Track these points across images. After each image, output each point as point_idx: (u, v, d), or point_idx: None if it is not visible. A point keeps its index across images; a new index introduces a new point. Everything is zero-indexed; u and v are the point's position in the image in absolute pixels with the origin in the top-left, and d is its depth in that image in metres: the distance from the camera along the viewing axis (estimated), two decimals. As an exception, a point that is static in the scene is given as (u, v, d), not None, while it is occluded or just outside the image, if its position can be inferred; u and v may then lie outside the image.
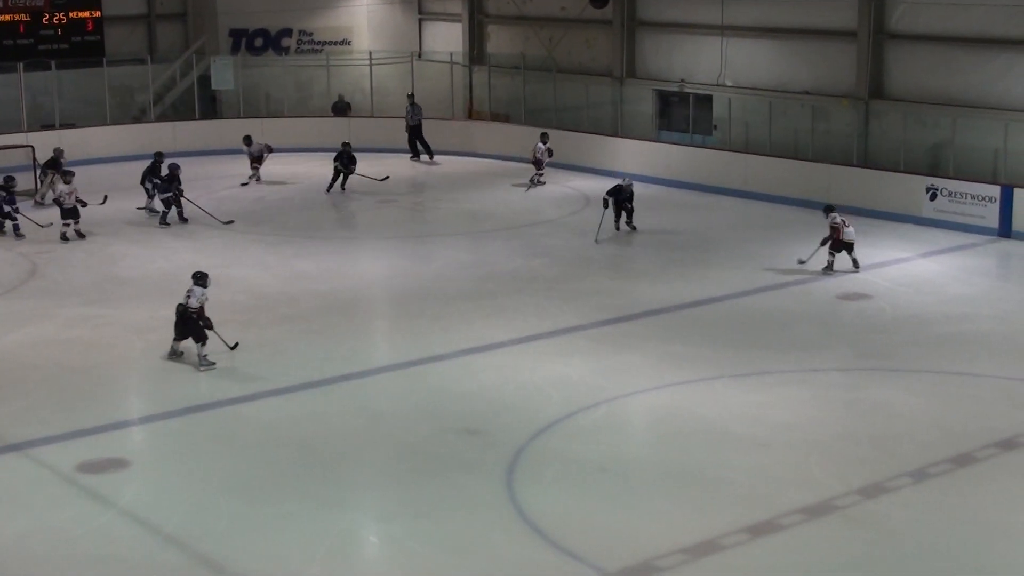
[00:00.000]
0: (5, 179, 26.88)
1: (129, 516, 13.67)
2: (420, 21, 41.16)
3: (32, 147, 31.25)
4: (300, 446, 15.53)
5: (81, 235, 26.37)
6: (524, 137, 34.83)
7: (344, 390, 17.56)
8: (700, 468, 14.73)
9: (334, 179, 30.97)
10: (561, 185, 30.63)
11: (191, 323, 18.23)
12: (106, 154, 34.36)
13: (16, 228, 26.44)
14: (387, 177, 30.25)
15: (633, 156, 32.57)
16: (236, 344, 18.88)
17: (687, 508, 13.72)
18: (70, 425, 16.15)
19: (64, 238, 26.24)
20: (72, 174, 27.11)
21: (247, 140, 32.61)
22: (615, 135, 34.03)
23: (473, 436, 15.74)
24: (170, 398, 17.10)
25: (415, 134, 35.57)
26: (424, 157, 35.37)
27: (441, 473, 14.66)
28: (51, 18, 38.33)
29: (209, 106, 38.81)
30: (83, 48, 38.60)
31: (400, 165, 34.02)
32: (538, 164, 31.42)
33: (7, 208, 26.54)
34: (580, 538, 12.98)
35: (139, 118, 38.18)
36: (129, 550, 12.89)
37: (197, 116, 37.82)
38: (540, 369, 18.13)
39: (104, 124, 36.27)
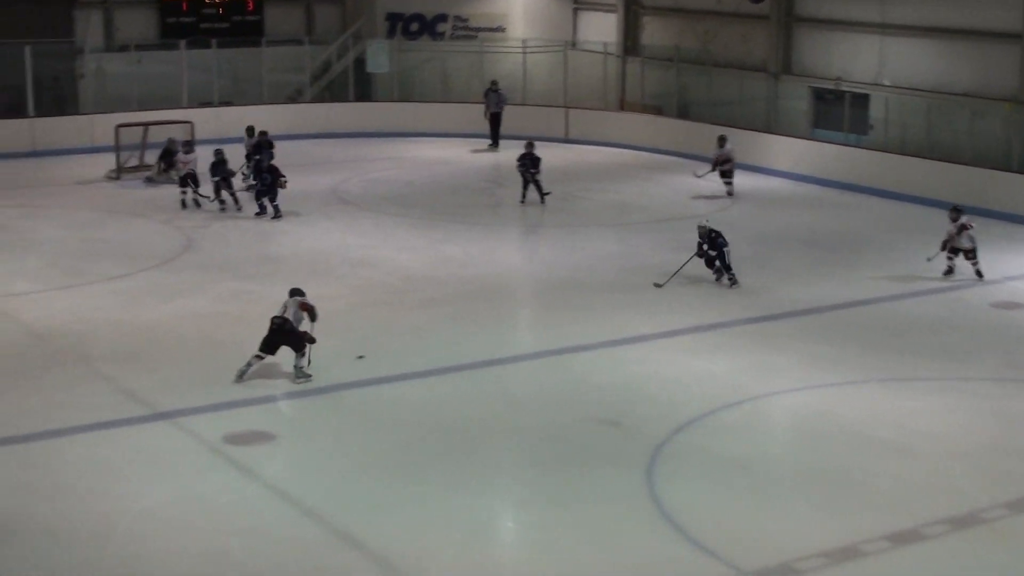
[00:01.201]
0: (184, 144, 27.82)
1: (272, 489, 13.89)
2: (575, 10, 41.12)
3: (191, 123, 31.85)
4: (441, 429, 15.64)
5: (197, 204, 27.09)
6: (675, 130, 34.71)
7: (486, 375, 17.64)
8: (843, 472, 14.51)
9: (525, 186, 28.37)
10: (710, 181, 30.38)
11: (291, 335, 17.14)
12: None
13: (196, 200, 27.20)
14: (549, 193, 28.34)
15: (786, 153, 32.21)
16: (362, 356, 18.09)
17: (828, 511, 13.53)
18: (218, 397, 16.46)
19: (183, 205, 27.06)
20: (192, 145, 28.17)
21: (249, 131, 30.41)
22: (768, 131, 33.66)
23: (614, 428, 15.71)
24: (317, 375, 17.30)
25: (496, 121, 35.48)
26: (493, 146, 35.27)
27: (580, 463, 14.65)
28: (214, -2, 39.22)
29: (364, 89, 39.20)
30: (243, 28, 39.38)
31: (549, 155, 34.02)
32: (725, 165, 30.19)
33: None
34: (718, 535, 12.87)
35: (294, 98, 38.78)
36: (271, 522, 13.09)
37: (351, 98, 38.27)
38: (683, 364, 18.03)
39: (261, 103, 36.87)
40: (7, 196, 28.44)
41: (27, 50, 33.40)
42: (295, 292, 17.56)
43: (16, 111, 33.95)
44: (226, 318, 19.79)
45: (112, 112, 33.70)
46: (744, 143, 32.81)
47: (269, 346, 17.11)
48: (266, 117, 33.25)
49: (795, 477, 14.53)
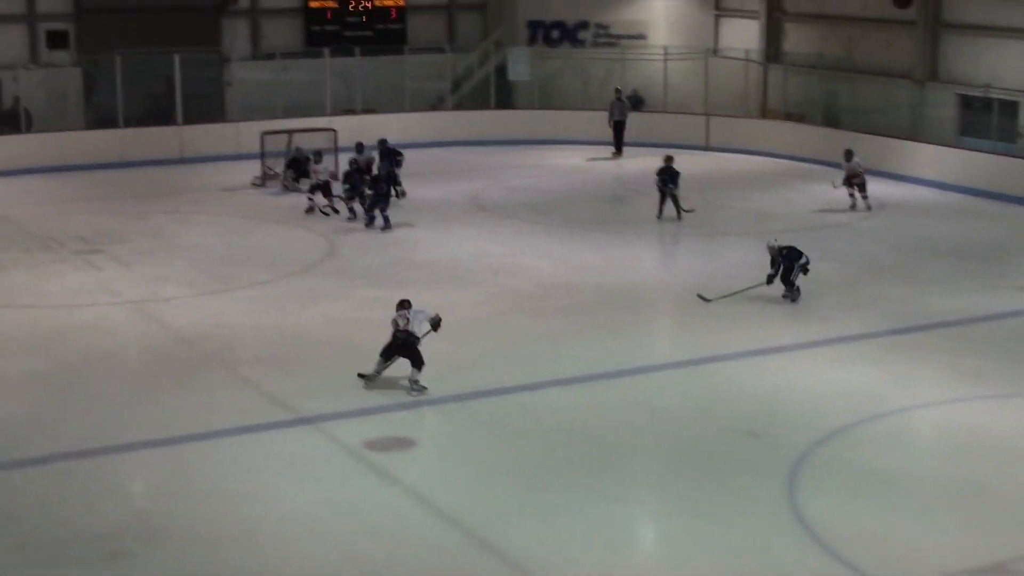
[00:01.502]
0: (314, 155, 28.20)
1: (412, 494, 14.00)
2: (716, 17, 40.83)
3: (335, 131, 32.26)
4: (580, 437, 15.62)
5: (326, 214, 27.43)
6: (818, 138, 34.28)
7: (625, 384, 17.58)
8: (992, 488, 14.19)
9: (662, 201, 27.47)
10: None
11: (412, 349, 17.05)
12: (402, 140, 35.20)
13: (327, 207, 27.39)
14: (691, 211, 27.54)
15: (931, 162, 31.62)
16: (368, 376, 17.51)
17: (976, 528, 13.23)
18: (359, 402, 16.64)
19: (309, 211, 27.48)
20: (322, 155, 28.91)
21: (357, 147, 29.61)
22: (913, 139, 33.08)
23: (754, 439, 15.55)
24: (455, 382, 17.40)
25: (619, 129, 35.46)
26: (617, 153, 35.20)
27: (720, 474, 14.53)
28: (357, 6, 39.67)
29: (504, 96, 39.38)
30: (386, 36, 39.81)
31: (690, 163, 33.85)
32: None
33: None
34: (862, 551, 12.66)
35: (436, 106, 39.07)
36: (411, 528, 13.19)
37: (492, 106, 38.45)
38: (824, 375, 17.79)
39: (402, 111, 37.22)
40: (157, 202, 29.10)
41: (176, 59, 34.14)
42: (404, 304, 17.28)
43: (165, 119, 34.70)
44: (366, 324, 19.95)
45: (257, 120, 34.30)
46: (888, 151, 32.33)
47: (389, 355, 17.13)
48: (408, 124, 33.69)
49: (941, 492, 14.25)
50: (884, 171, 31.71)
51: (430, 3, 41.12)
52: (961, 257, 24.69)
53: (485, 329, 19.74)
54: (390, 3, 40.29)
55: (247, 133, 33.32)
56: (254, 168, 31.17)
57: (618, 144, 35.46)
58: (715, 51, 39.57)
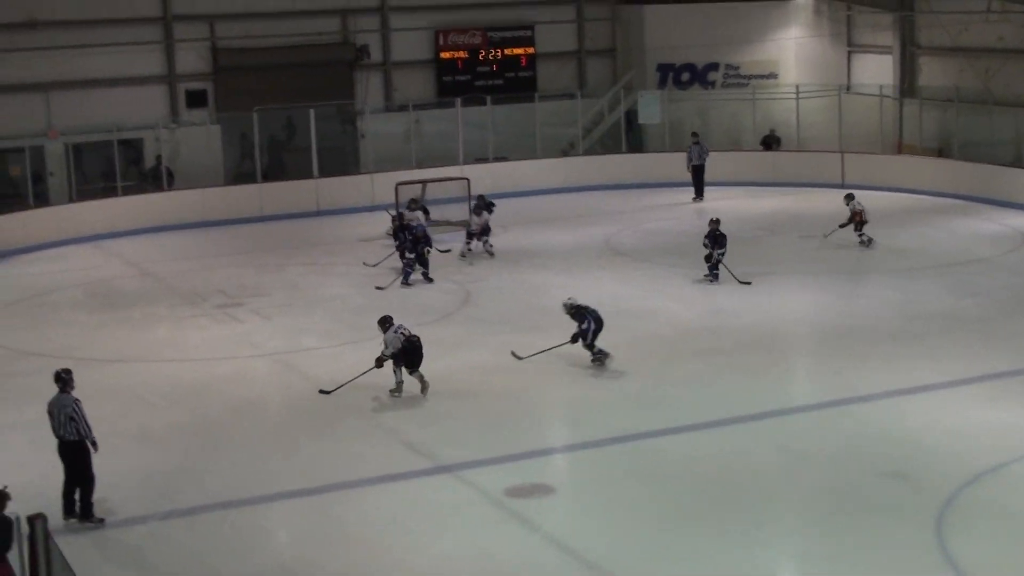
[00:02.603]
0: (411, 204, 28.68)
1: (553, 541, 13.99)
2: (849, 54, 40.49)
3: (467, 179, 32.52)
4: (720, 482, 15.49)
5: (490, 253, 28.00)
6: (957, 172, 33.77)
7: (765, 427, 17.41)
8: None
9: (712, 267, 25.57)
10: (996, 223, 29.44)
11: (420, 351, 18.85)
12: (535, 186, 35.55)
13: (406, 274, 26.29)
14: (749, 283, 25.25)
15: (1076, 193, 30.99)
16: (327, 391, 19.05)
17: None
18: (499, 450, 16.69)
19: (462, 255, 28.07)
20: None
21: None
22: (1055, 171, 32.44)
23: (899, 480, 15.28)
24: (592, 428, 17.40)
25: (698, 173, 34.83)
26: (698, 198, 34.60)
27: (865, 516, 14.29)
28: (487, 55, 40.04)
29: (635, 140, 39.43)
30: (517, 84, 40.09)
31: (824, 201, 33.53)
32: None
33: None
34: (1013, 594, 12.40)
35: (567, 152, 39.22)
36: (555, 575, 13.17)
37: (624, 149, 38.50)
38: (972, 414, 17.43)
39: (534, 157, 37.43)
40: (296, 255, 29.57)
41: (311, 113, 34.74)
42: (389, 320, 19.09)
43: (303, 172, 35.29)
44: (504, 370, 20.05)
45: (391, 171, 34.75)
46: (1029, 183, 31.74)
47: (408, 364, 18.72)
48: (540, 170, 33.80)
49: (1096, 533, 13.88)
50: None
51: (559, 50, 41.36)
52: (1110, 290, 24.11)
53: (621, 374, 19.70)
54: (520, 51, 40.64)
55: (381, 184, 33.76)
56: (388, 219, 31.47)
57: (698, 188, 34.90)
58: (848, 87, 39.22)
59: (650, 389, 19.00)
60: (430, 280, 26.18)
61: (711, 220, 25.86)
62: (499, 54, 40.34)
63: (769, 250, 29.24)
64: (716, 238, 25.52)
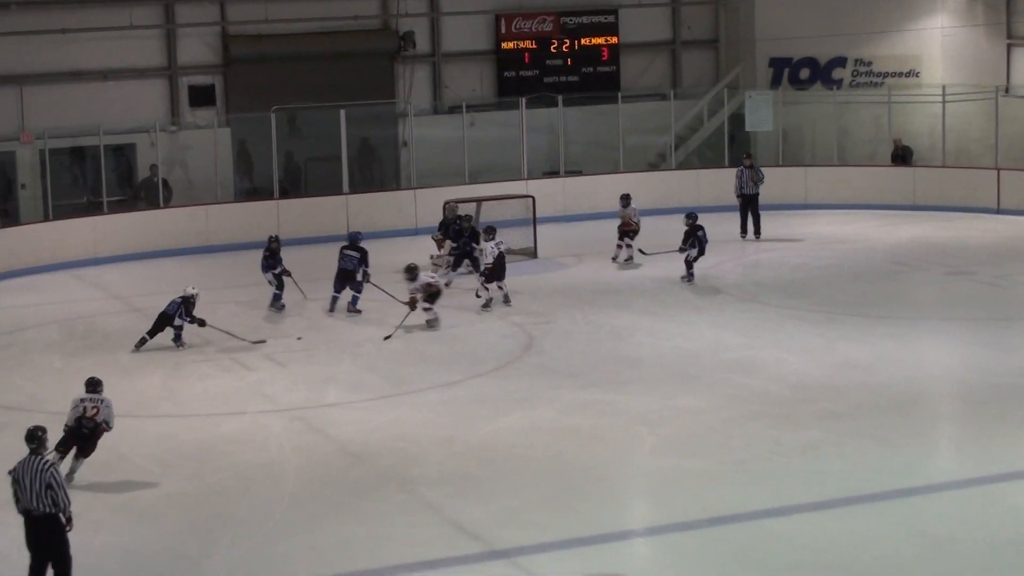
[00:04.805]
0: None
1: (632, 647, 13.94)
2: (1008, 47, 40.29)
3: (532, 197, 32.54)
4: (843, 573, 15.38)
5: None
6: None
7: (899, 509, 17.26)
8: None
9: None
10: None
11: (93, 441, 18.47)
12: (615, 207, 35.45)
13: None
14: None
15: None
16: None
17: None
18: (566, 532, 16.61)
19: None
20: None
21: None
22: None
23: (1066, 579, 15.16)
24: (684, 506, 17.32)
25: (749, 205, 33.85)
26: (750, 235, 33.74)
27: (1024, 623, 14.19)
28: (560, 46, 40.07)
29: (742, 151, 39.37)
30: (595, 81, 40.17)
31: (976, 229, 33.31)
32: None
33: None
34: None
35: (657, 165, 39.29)
36: None
37: (726, 163, 38.44)
38: None
39: (616, 172, 37.45)
40: (319, 288, 29.51)
41: (342, 114, 34.88)
42: (96, 385, 18.60)
43: (331, 187, 35.44)
44: (575, 434, 20.01)
45: (438, 186, 34.87)
46: None
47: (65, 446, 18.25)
48: (622, 187, 33.76)
49: None
50: None
51: (649, 40, 41.49)
52: None
53: (721, 440, 19.61)
54: (600, 41, 40.67)
55: (426, 202, 33.88)
56: (434, 245, 31.60)
57: (744, 224, 33.89)
58: (1007, 89, 39.00)
59: (757, 460, 18.88)
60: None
61: (687, 215, 29.56)
62: (574, 45, 40.48)
63: (908, 289, 29.11)
64: (690, 236, 29.07)
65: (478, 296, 27.63)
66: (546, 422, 20.72)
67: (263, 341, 25.40)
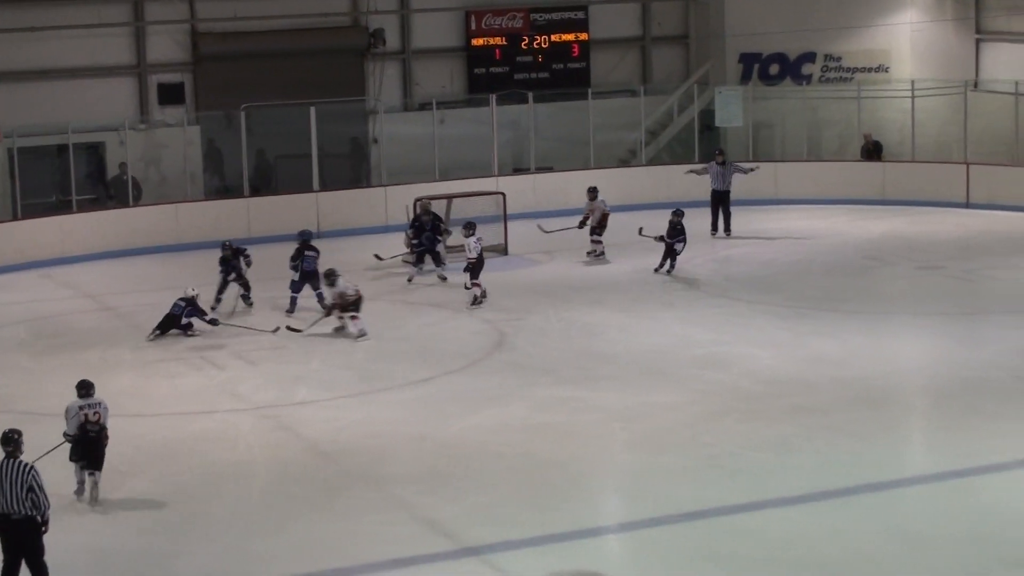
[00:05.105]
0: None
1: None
2: (977, 42, 40.35)
3: (503, 194, 32.53)
4: (816, 568, 15.39)
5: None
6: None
7: (871, 504, 17.29)
8: None
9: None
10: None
11: (101, 449, 18.00)
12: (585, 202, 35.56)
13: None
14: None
15: None
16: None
17: None
18: (538, 529, 16.62)
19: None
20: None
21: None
22: None
23: (1035, 571, 15.21)
24: (656, 502, 17.33)
25: (720, 201, 33.64)
26: (720, 232, 33.54)
27: (995, 617, 14.23)
28: (531, 42, 40.07)
29: (711, 146, 39.40)
30: (565, 77, 40.13)
31: (945, 223, 33.41)
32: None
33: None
34: None
35: (627, 161, 39.27)
36: None
37: (697, 158, 38.41)
38: None
39: (586, 168, 37.44)
40: (288, 286, 29.52)
41: (312, 112, 34.83)
42: (88, 388, 18.01)
43: (300, 185, 35.38)
44: (548, 431, 20.01)
45: (409, 183, 34.82)
46: None
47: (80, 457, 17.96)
48: (592, 183, 33.79)
49: None
50: None
51: (619, 35, 41.47)
52: None
53: (692, 436, 19.63)
54: (570, 37, 40.67)
55: (397, 199, 33.83)
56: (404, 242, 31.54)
57: (715, 220, 33.62)
58: (976, 84, 39.10)
59: (729, 455, 18.90)
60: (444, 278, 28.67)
61: (674, 211, 29.72)
62: (544, 41, 40.42)
63: (879, 284, 29.17)
64: (676, 231, 29.48)
65: (467, 287, 27.48)
66: (518, 419, 20.71)
67: (278, 329, 25.70)
